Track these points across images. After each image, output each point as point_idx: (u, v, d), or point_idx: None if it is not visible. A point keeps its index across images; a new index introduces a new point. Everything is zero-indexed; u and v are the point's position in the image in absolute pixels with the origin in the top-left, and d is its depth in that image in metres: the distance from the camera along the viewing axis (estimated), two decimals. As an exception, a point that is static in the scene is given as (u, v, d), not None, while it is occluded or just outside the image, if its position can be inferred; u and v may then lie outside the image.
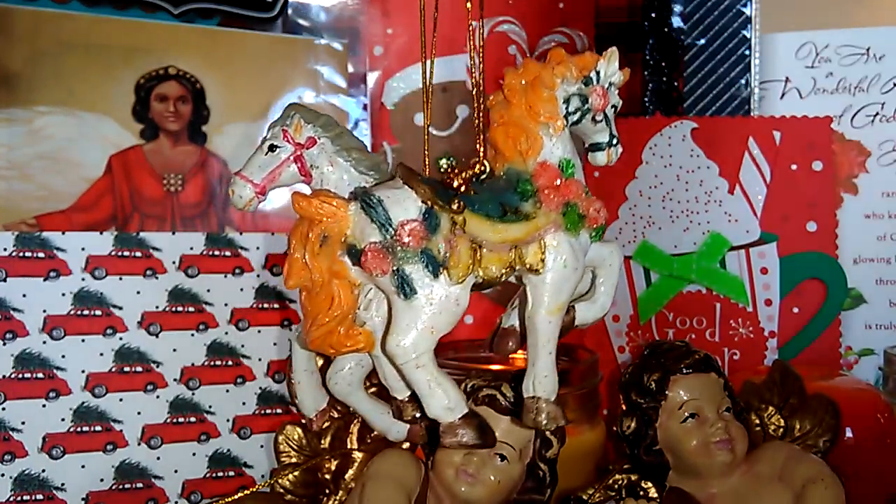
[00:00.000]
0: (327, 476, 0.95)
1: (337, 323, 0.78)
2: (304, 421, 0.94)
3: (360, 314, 0.81)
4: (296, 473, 0.96)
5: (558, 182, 0.81)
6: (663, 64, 1.48)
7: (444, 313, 0.77)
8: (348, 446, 0.96)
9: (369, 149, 1.01)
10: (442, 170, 0.81)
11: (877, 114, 1.48)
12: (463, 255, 0.77)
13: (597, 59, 0.81)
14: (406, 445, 0.91)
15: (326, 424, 0.94)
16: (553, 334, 0.82)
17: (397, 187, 0.78)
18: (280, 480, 0.96)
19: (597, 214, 0.82)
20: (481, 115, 0.87)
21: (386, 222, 0.75)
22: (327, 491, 0.95)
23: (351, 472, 0.94)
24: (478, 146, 0.86)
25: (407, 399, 0.84)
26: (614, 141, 0.83)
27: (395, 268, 0.75)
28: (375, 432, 0.93)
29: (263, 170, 0.81)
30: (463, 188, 0.80)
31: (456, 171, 0.81)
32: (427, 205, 0.76)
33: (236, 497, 0.94)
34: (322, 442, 0.97)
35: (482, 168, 0.83)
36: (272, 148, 0.82)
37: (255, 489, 0.99)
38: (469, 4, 0.87)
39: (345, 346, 0.79)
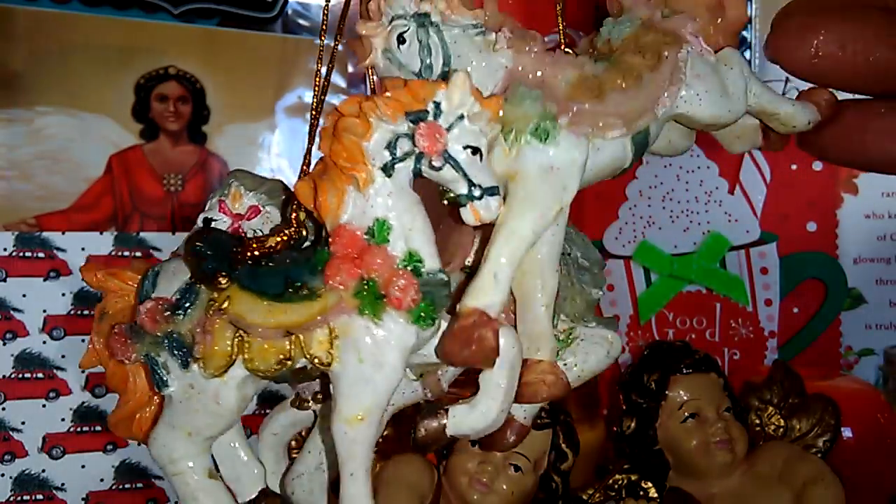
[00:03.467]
0: None
1: (136, 407, 0.66)
2: None
3: None
4: None
5: (358, 252, 0.59)
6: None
7: (202, 413, 0.62)
8: None
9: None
10: None
11: (877, 114, 1.47)
12: (219, 342, 0.60)
13: (436, 88, 0.58)
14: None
15: None
16: (354, 453, 0.61)
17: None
18: None
19: (401, 294, 0.58)
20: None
21: (145, 299, 0.62)
22: None
23: None
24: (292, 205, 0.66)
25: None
26: (476, 192, 0.58)
27: (144, 354, 0.62)
28: (386, 432, 0.78)
29: None
30: (263, 255, 0.64)
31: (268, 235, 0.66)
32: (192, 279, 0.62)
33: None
34: None
35: (294, 232, 0.64)
36: (206, 222, 0.73)
37: None
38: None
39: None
